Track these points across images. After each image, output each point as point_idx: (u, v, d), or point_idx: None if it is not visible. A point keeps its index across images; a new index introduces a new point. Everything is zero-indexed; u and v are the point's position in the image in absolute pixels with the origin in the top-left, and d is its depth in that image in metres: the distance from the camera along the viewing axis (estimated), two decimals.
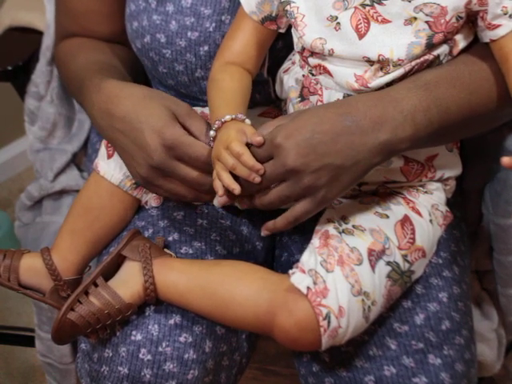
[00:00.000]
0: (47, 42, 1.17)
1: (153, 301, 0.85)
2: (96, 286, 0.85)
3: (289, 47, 0.90)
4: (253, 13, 0.87)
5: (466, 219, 1.07)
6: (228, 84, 0.86)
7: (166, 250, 0.90)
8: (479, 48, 0.83)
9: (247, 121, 0.80)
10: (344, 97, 0.83)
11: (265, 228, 0.82)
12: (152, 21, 0.94)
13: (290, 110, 0.90)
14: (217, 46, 0.91)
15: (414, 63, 0.81)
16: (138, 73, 1.06)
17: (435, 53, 0.81)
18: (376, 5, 0.79)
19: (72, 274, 0.94)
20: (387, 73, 0.81)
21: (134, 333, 0.85)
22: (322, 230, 0.86)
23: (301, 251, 0.86)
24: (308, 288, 0.79)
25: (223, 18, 0.93)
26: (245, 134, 0.78)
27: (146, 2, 0.95)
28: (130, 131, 0.85)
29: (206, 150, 0.82)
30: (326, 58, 0.83)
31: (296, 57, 0.89)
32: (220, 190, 0.77)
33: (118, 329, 0.86)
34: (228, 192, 0.78)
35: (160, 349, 0.83)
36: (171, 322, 0.85)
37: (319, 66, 0.84)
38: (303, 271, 0.81)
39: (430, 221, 0.89)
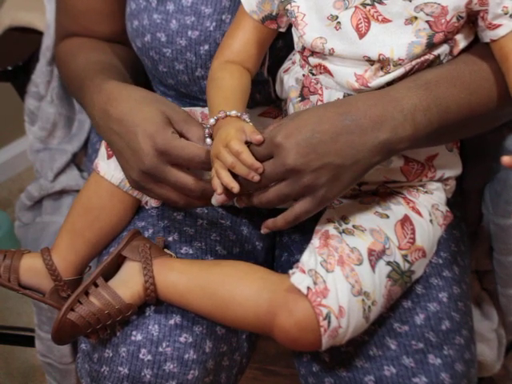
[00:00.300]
0: (47, 42, 1.17)
1: (153, 301, 0.85)
2: (96, 286, 0.85)
3: (289, 47, 0.90)
4: (253, 12, 0.87)
5: (466, 219, 1.07)
6: (227, 82, 0.85)
7: (166, 250, 0.89)
8: (480, 48, 0.83)
9: (247, 119, 0.80)
10: (344, 96, 0.83)
11: (265, 226, 0.82)
12: (152, 20, 0.94)
13: (290, 109, 0.90)
14: (217, 45, 0.91)
15: (414, 63, 0.81)
16: (139, 73, 1.05)
17: (436, 52, 0.81)
18: (376, 4, 0.79)
19: (72, 275, 0.94)
20: (387, 72, 0.81)
21: (134, 333, 0.85)
22: (322, 230, 0.85)
23: (301, 251, 0.86)
24: (308, 288, 0.79)
25: (224, 17, 0.93)
26: (244, 133, 0.77)
27: (147, 0, 0.95)
28: (126, 134, 0.84)
29: (200, 150, 0.81)
30: (326, 57, 0.83)
31: (296, 56, 0.89)
32: (219, 188, 0.77)
33: (118, 329, 0.86)
34: (227, 190, 0.77)
35: (160, 349, 0.83)
36: (171, 322, 0.85)
37: (319, 65, 0.84)
38: (303, 271, 0.81)
39: (430, 221, 0.89)
